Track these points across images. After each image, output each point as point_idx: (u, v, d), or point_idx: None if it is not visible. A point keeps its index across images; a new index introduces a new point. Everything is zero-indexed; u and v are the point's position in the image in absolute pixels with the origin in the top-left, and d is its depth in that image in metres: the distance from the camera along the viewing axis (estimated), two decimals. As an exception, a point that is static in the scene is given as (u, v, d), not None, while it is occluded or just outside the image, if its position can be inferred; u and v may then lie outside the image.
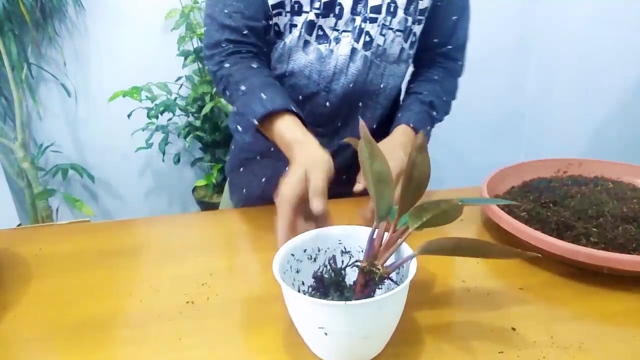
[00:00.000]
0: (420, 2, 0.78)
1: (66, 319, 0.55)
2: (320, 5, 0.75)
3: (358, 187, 0.56)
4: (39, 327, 0.54)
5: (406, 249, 0.48)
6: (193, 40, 1.91)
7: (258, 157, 0.90)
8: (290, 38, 0.77)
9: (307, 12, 0.75)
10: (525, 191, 0.74)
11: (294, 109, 0.67)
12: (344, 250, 0.54)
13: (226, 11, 0.74)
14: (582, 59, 2.14)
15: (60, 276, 0.64)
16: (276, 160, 0.85)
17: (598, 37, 2.09)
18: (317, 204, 0.50)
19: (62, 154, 2.11)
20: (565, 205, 0.67)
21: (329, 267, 0.50)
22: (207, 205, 2.05)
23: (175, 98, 1.97)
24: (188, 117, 2.02)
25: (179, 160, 2.08)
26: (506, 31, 2.10)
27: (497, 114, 2.25)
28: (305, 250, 0.52)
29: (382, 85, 0.83)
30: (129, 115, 1.90)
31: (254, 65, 0.74)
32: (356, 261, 0.48)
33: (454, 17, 0.84)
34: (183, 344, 0.50)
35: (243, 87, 0.71)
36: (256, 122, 0.66)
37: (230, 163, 0.97)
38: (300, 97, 0.81)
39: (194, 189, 2.17)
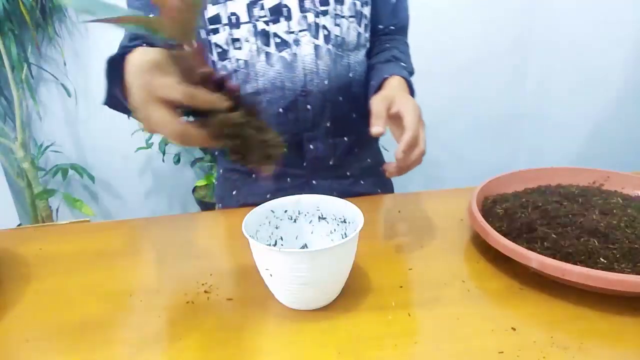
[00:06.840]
0: None
1: (66, 319, 0.55)
2: (265, 12, 0.73)
3: (378, 129, 0.58)
4: (39, 327, 0.54)
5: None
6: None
7: (254, 175, 0.86)
8: (247, 54, 0.76)
9: (245, 24, 0.74)
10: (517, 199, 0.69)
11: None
12: (320, 216, 0.61)
13: None
14: (581, 59, 2.15)
15: (60, 276, 0.64)
16: (278, 174, 0.83)
17: (598, 37, 2.10)
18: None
19: (62, 154, 2.11)
20: (556, 218, 0.60)
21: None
22: (207, 205, 2.05)
23: (175, 98, 1.96)
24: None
25: (179, 160, 2.08)
26: (506, 31, 2.10)
27: (497, 114, 2.25)
28: (286, 211, 0.61)
29: (350, 75, 0.81)
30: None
31: None
32: None
33: (393, 1, 0.85)
34: (183, 344, 0.50)
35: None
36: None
37: (220, 189, 0.92)
38: (280, 109, 0.79)
39: (194, 189, 2.17)
